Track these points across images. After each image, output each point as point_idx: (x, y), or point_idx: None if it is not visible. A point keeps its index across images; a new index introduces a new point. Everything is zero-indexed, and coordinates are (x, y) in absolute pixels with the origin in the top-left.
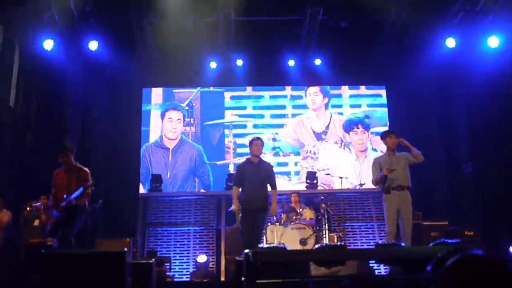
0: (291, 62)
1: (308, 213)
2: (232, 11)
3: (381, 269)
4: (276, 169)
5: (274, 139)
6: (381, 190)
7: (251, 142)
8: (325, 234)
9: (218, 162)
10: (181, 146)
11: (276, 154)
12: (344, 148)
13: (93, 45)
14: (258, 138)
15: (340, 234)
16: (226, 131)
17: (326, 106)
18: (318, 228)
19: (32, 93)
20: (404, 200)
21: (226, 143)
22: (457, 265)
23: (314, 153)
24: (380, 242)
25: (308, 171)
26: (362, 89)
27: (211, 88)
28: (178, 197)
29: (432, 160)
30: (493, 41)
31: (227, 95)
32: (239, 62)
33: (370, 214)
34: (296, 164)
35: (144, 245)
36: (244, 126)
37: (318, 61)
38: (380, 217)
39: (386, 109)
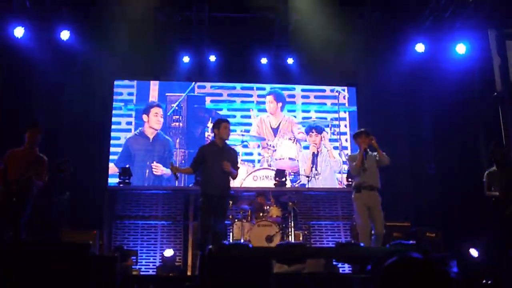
0: (264, 60)
1: (275, 211)
2: (207, 6)
3: (345, 268)
4: (243, 157)
5: (243, 135)
6: (352, 188)
7: (218, 125)
8: (291, 232)
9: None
10: (158, 136)
11: (245, 146)
12: (296, 143)
13: (64, 34)
14: (226, 121)
15: (306, 232)
16: (208, 127)
17: (281, 108)
18: (284, 225)
19: (1, 81)
20: (374, 200)
21: (206, 136)
22: (393, 266)
23: (273, 146)
24: (340, 241)
25: (277, 169)
26: (312, 98)
27: (196, 93)
28: (146, 191)
29: (397, 161)
30: (461, 48)
31: (208, 99)
32: (212, 58)
33: (337, 213)
34: (259, 154)
35: (111, 238)
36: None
37: (290, 60)
38: (346, 216)
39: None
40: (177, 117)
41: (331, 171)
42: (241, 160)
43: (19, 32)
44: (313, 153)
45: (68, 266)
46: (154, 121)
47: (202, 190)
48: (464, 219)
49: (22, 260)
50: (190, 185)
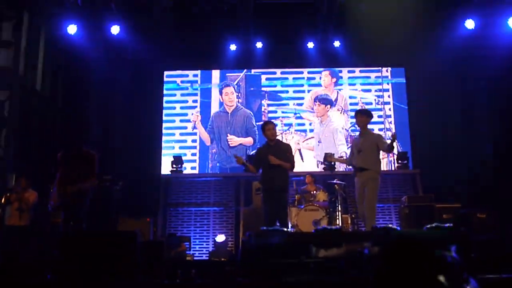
0: (310, 45)
1: (321, 195)
2: None
3: None
4: (296, 127)
5: (295, 109)
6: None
7: (263, 127)
8: (339, 215)
9: (257, 123)
10: (237, 111)
11: (298, 118)
12: (343, 113)
13: (115, 29)
14: (269, 122)
15: (353, 216)
16: (263, 102)
17: (335, 84)
18: (331, 209)
19: (58, 78)
20: (366, 180)
21: (263, 109)
22: (386, 248)
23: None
24: (377, 226)
25: (325, 153)
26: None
27: (252, 72)
28: (198, 178)
29: (450, 142)
30: None
31: (263, 77)
32: (259, 45)
33: (388, 196)
34: (310, 124)
35: (165, 225)
36: (275, 99)
37: (337, 43)
38: (397, 199)
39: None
40: (238, 93)
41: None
42: (294, 130)
43: (72, 29)
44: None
45: (118, 253)
46: (227, 100)
47: (262, 186)
48: None
49: (75, 249)
50: (240, 172)
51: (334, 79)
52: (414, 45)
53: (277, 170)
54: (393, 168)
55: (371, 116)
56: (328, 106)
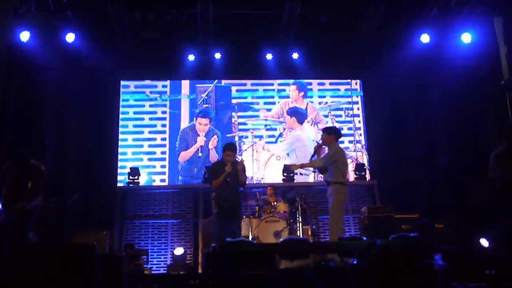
0: (269, 56)
1: (282, 206)
2: (212, 3)
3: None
4: (267, 139)
5: (266, 119)
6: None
7: (224, 149)
8: (299, 227)
9: (228, 135)
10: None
11: (269, 129)
12: (313, 125)
13: (70, 37)
14: (230, 149)
15: (314, 226)
16: (233, 113)
17: (304, 96)
18: (292, 221)
19: (10, 86)
20: (331, 193)
21: (233, 121)
22: (375, 259)
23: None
24: (346, 235)
25: (284, 164)
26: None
27: (222, 83)
28: (155, 190)
29: (408, 154)
30: (466, 37)
31: (234, 88)
32: (218, 55)
33: (346, 207)
34: (280, 135)
35: (121, 238)
36: (245, 110)
37: (295, 55)
38: (356, 210)
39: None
40: (207, 105)
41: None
42: (265, 142)
43: (25, 36)
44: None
45: (74, 267)
46: (200, 128)
47: (217, 203)
48: (475, 210)
49: (30, 262)
50: (199, 183)
51: (302, 93)
52: (370, 58)
53: (233, 186)
54: (351, 179)
55: (336, 134)
56: (298, 119)
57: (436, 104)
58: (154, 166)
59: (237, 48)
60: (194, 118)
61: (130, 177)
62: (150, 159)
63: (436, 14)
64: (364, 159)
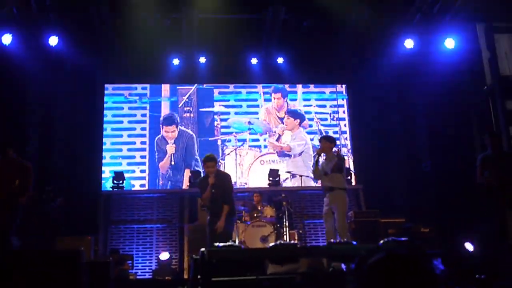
0: (254, 61)
1: (269, 211)
2: (195, 8)
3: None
4: (251, 143)
5: (249, 123)
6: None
7: (204, 162)
8: (286, 231)
9: (210, 138)
10: (178, 140)
11: (252, 133)
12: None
13: (53, 40)
14: (210, 160)
15: (301, 231)
16: (215, 116)
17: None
18: (278, 225)
19: None
20: (334, 199)
21: (215, 124)
22: (379, 263)
23: (278, 134)
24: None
25: (270, 169)
26: (312, 87)
27: (204, 86)
28: (140, 194)
29: (392, 158)
30: (449, 43)
31: (216, 91)
32: (202, 60)
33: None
34: (265, 140)
35: (106, 243)
36: (228, 113)
37: (280, 60)
38: None
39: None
40: (188, 108)
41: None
42: (249, 146)
43: (6, 39)
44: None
45: (60, 274)
46: (168, 136)
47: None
48: (460, 214)
49: (14, 269)
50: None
51: (286, 98)
52: (354, 62)
53: (218, 196)
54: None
55: (335, 142)
56: (298, 120)
57: (420, 109)
58: (133, 171)
59: (220, 53)
60: (161, 127)
61: (115, 181)
62: (129, 164)
63: (420, 20)
64: (350, 163)
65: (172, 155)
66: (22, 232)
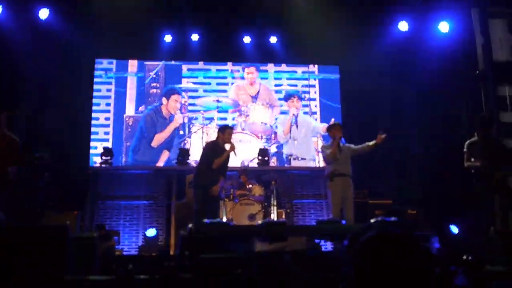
0: (247, 39)
1: (257, 189)
2: None
3: (328, 246)
4: (218, 121)
5: (218, 101)
6: (325, 177)
7: (224, 131)
8: (274, 210)
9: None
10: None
11: (220, 111)
12: (269, 108)
13: (43, 13)
14: (230, 128)
15: (288, 210)
16: (183, 94)
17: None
18: (266, 204)
19: None
20: (346, 185)
21: (183, 102)
22: (372, 241)
23: (246, 112)
24: (322, 219)
25: (260, 148)
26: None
27: (172, 62)
28: (128, 170)
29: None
30: (444, 27)
31: (184, 67)
32: (195, 37)
33: (320, 192)
34: (233, 119)
35: (93, 219)
36: (196, 90)
37: (273, 39)
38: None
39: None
40: (155, 84)
41: (307, 134)
42: (216, 125)
43: None
44: (293, 114)
45: (45, 249)
46: (172, 107)
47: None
48: (446, 197)
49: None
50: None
51: (258, 73)
52: (349, 44)
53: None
54: (321, 165)
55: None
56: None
57: (411, 91)
58: (95, 147)
59: (211, 30)
60: (164, 98)
61: (103, 157)
62: (92, 140)
63: (415, 3)
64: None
65: (180, 125)
66: (8, 207)
